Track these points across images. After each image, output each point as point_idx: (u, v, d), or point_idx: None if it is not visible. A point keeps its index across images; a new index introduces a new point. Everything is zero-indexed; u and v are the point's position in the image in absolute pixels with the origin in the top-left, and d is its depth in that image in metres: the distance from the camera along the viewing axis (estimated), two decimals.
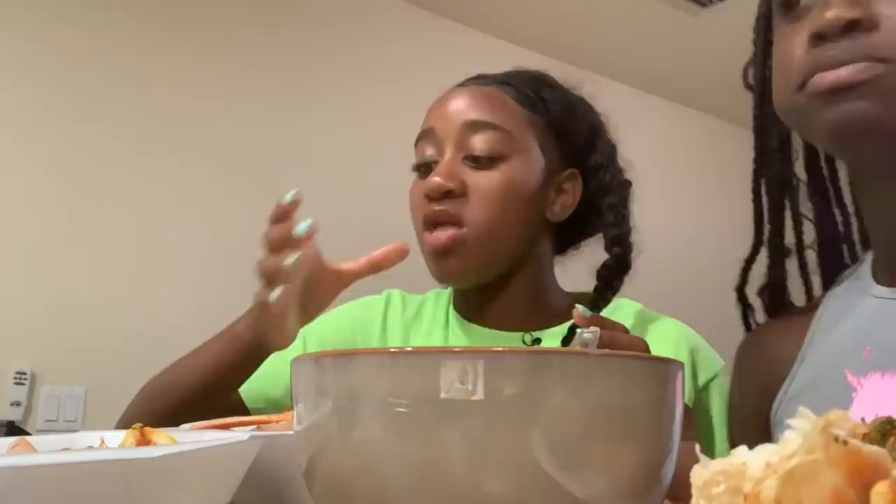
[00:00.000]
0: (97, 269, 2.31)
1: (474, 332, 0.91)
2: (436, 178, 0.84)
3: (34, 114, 2.30)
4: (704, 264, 3.70)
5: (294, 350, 0.95)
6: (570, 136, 0.90)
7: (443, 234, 0.83)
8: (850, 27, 0.56)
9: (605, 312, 0.87)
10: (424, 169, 0.88)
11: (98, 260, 2.32)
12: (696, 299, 2.76)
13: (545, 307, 0.90)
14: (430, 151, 0.88)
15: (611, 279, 0.87)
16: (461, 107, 0.87)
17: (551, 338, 0.88)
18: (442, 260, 0.84)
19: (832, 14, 0.57)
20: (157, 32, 2.52)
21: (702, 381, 0.84)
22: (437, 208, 0.84)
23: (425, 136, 0.89)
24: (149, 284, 2.38)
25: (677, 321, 0.90)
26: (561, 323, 0.88)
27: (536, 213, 0.88)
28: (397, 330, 0.96)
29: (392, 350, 0.33)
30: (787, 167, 0.74)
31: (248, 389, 0.89)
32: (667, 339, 0.85)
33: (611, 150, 0.93)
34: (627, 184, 0.92)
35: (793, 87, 0.60)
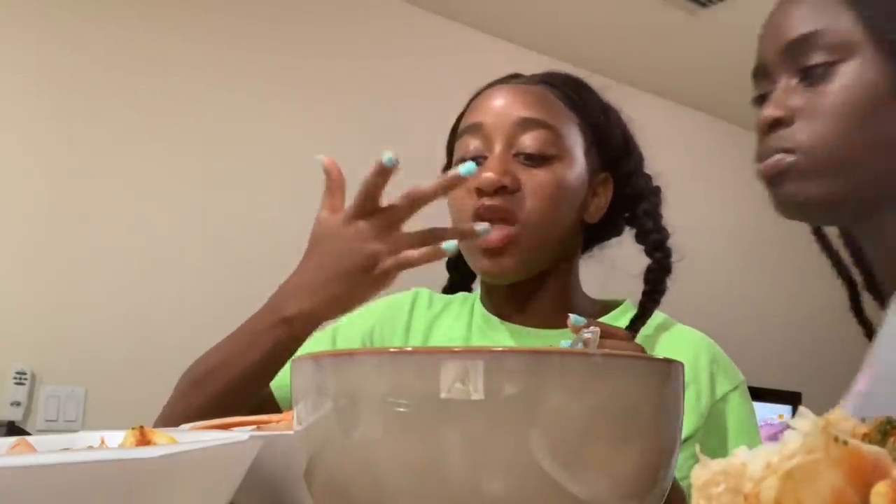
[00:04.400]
0: (97, 269, 2.31)
1: (498, 328, 0.92)
2: (490, 174, 0.83)
3: (34, 113, 2.30)
4: (699, 262, 3.70)
5: (323, 344, 0.95)
6: (607, 140, 0.92)
7: (497, 234, 0.82)
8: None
9: (625, 320, 0.89)
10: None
11: (98, 260, 2.32)
12: (693, 298, 2.77)
13: (570, 307, 0.91)
14: (476, 145, 0.87)
15: (657, 282, 0.89)
16: (511, 103, 0.87)
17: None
18: (494, 258, 0.84)
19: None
20: (157, 30, 2.52)
21: (720, 392, 0.84)
22: (489, 203, 0.83)
23: (472, 130, 0.88)
24: (149, 284, 2.38)
25: (698, 331, 0.91)
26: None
27: (577, 215, 0.89)
28: (421, 326, 0.96)
29: (392, 350, 0.33)
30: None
31: (281, 381, 0.89)
32: (686, 348, 0.86)
33: (640, 158, 0.95)
34: (658, 190, 0.94)
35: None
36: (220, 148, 2.58)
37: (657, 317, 0.91)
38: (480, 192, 0.83)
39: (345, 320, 0.99)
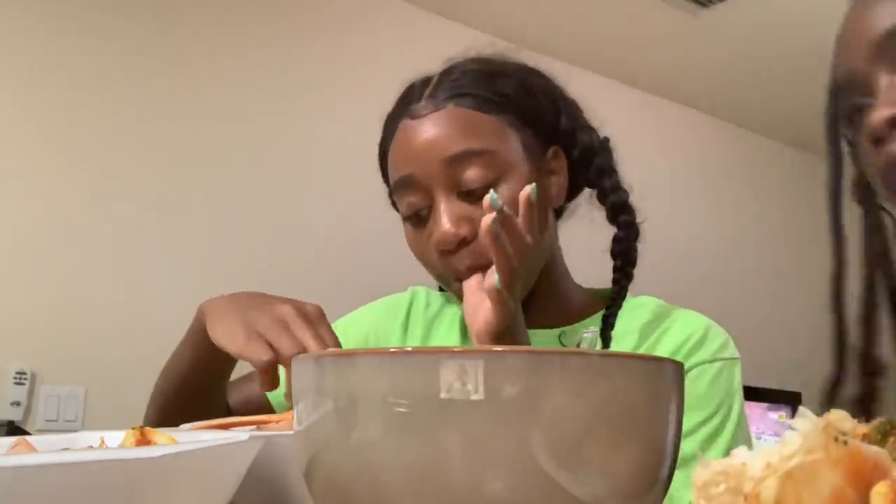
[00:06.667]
0: (97, 269, 2.31)
1: None
2: (444, 230, 0.77)
3: (34, 114, 2.30)
4: (700, 262, 3.69)
5: None
6: (539, 117, 0.84)
7: (477, 279, 0.77)
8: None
9: (624, 308, 0.85)
10: (416, 218, 0.81)
11: (98, 260, 2.32)
12: (693, 298, 2.76)
13: (565, 302, 0.88)
14: (415, 199, 0.80)
15: (627, 251, 0.84)
16: (434, 143, 0.79)
17: (574, 335, 0.86)
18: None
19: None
20: (152, 32, 2.52)
21: (697, 359, 0.82)
22: (461, 266, 0.77)
23: (405, 184, 0.80)
24: (149, 285, 2.38)
25: (697, 313, 0.87)
26: (581, 319, 0.87)
27: (543, 212, 0.83)
28: (419, 327, 0.94)
29: (392, 350, 0.33)
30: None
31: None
32: (684, 326, 0.84)
33: (574, 109, 0.88)
34: (607, 141, 0.88)
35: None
36: (221, 149, 2.58)
37: (652, 301, 0.89)
38: (442, 252, 0.78)
39: (342, 321, 0.99)
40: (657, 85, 3.73)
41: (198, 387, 0.81)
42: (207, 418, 0.75)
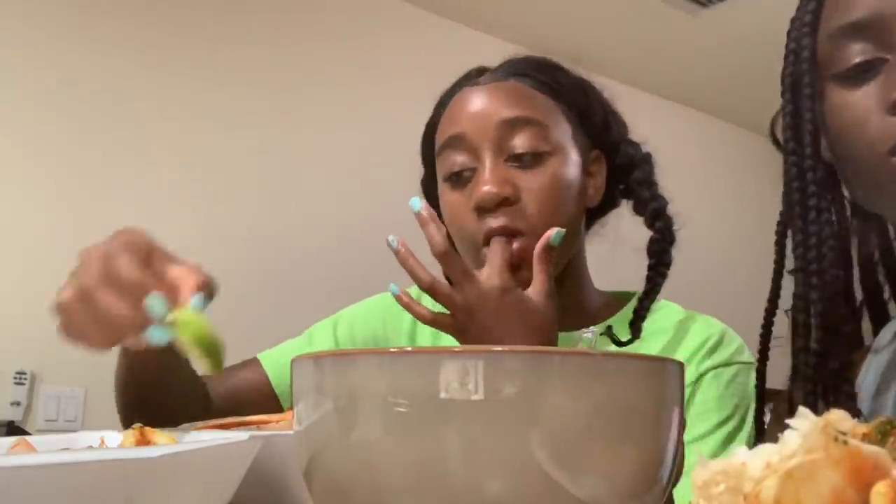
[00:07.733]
0: None
1: None
2: (488, 187, 0.77)
3: (35, 115, 2.30)
4: (700, 262, 3.69)
5: (324, 332, 0.94)
6: (589, 118, 0.87)
7: (513, 248, 0.77)
8: None
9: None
10: (457, 178, 0.82)
11: None
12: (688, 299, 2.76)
13: (582, 305, 0.88)
14: (462, 159, 0.81)
15: (662, 253, 0.86)
16: (489, 105, 0.81)
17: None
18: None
19: None
20: (153, 32, 2.52)
21: (714, 362, 0.82)
22: (495, 224, 0.77)
23: (454, 142, 0.82)
24: None
25: (712, 318, 0.88)
26: (597, 323, 0.87)
27: (580, 206, 0.85)
28: (427, 328, 0.93)
29: (392, 350, 0.33)
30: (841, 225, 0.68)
31: (275, 370, 0.89)
32: (701, 330, 0.85)
33: (623, 126, 0.91)
34: (649, 157, 0.90)
35: (882, 152, 0.57)
36: (223, 150, 2.58)
37: (672, 307, 0.89)
38: (481, 209, 0.78)
39: (348, 311, 0.98)
40: (657, 84, 3.73)
41: (141, 387, 0.80)
42: (174, 416, 0.73)
